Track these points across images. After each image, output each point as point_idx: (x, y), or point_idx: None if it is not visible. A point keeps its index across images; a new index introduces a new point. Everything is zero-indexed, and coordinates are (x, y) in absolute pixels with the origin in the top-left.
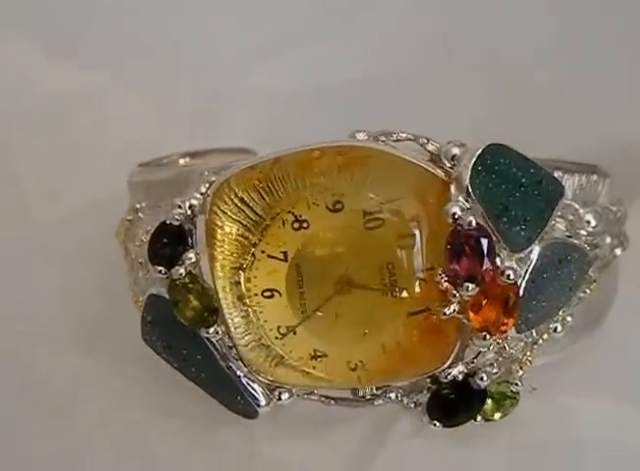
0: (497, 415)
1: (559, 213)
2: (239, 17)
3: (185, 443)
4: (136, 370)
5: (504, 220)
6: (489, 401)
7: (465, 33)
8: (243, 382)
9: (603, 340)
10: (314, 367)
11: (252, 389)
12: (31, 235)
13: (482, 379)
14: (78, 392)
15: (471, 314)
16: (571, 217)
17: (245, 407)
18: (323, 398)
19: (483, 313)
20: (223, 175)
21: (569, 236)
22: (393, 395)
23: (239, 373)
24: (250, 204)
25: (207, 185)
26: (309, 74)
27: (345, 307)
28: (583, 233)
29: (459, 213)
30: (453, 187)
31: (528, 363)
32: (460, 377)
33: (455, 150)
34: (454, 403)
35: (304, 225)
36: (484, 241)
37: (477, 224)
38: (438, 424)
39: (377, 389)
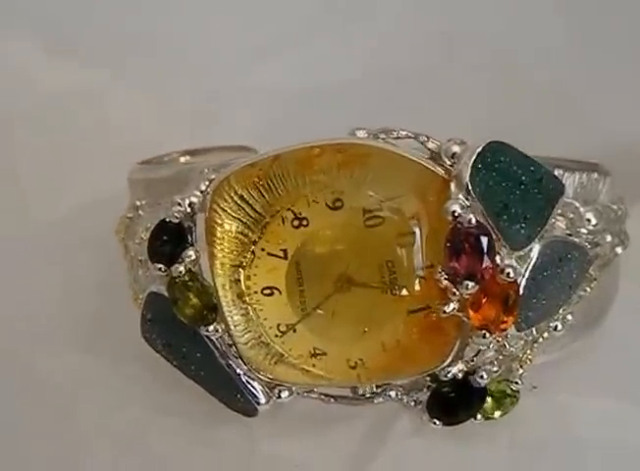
0: (497, 413)
1: (559, 211)
2: (239, 16)
3: (184, 441)
4: (136, 368)
5: (504, 218)
6: (489, 400)
7: (466, 33)
8: (243, 380)
9: (603, 339)
10: (314, 365)
11: (252, 387)
12: (31, 234)
13: (482, 377)
14: (77, 390)
15: (471, 312)
16: (572, 215)
17: (245, 405)
18: (323, 397)
19: (483, 311)
20: (223, 172)
21: (570, 235)
22: (393, 394)
23: (238, 371)
24: (250, 202)
25: (207, 183)
26: (309, 73)
27: (344, 305)
28: (584, 231)
29: (459, 211)
30: (453, 185)
31: (528, 361)
32: (460, 375)
33: (456, 148)
34: (454, 402)
35: (304, 222)
36: (484, 239)
37: (477, 222)
38: (438, 422)
39: (377, 387)
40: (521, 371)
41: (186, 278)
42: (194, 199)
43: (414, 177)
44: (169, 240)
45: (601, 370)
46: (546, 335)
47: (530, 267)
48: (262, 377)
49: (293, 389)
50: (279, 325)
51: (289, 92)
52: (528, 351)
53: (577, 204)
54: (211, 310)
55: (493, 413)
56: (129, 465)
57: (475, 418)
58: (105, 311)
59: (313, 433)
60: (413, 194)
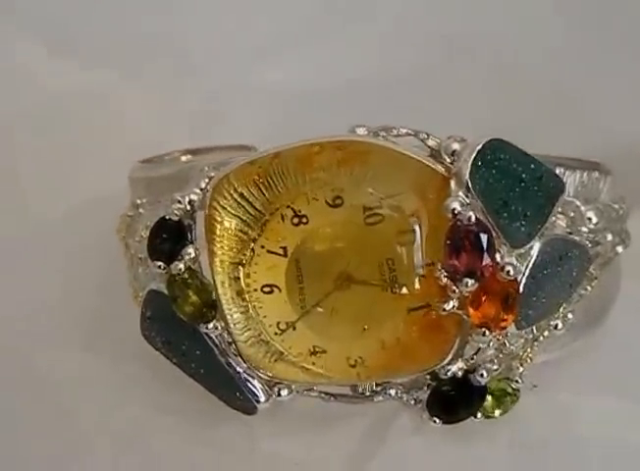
0: (497, 412)
1: (559, 209)
2: (239, 17)
3: (184, 439)
4: (136, 367)
5: (504, 215)
6: (489, 398)
7: (466, 33)
8: (243, 378)
9: (604, 338)
10: (314, 363)
11: (252, 385)
12: (32, 233)
13: (482, 375)
14: (77, 389)
15: (471, 310)
16: (572, 214)
17: (245, 403)
18: (322, 395)
19: (483, 309)
20: (222, 170)
21: (570, 233)
22: (392, 392)
23: (238, 369)
24: (250, 199)
25: (207, 181)
26: (310, 73)
27: (344, 303)
28: (584, 229)
29: (459, 208)
30: (452, 183)
31: (529, 360)
32: (460, 373)
33: (456, 145)
34: (454, 400)
35: (304, 220)
36: (483, 237)
37: (477, 219)
38: (438, 421)
39: (377, 385)
40: (522, 369)
41: (186, 275)
42: (194, 197)
43: (414, 174)
44: (169, 238)
45: (602, 369)
46: (546, 333)
47: (530, 265)
48: (262, 375)
49: (293, 387)
50: (278, 323)
51: (289, 92)
52: (528, 350)
53: (578, 203)
54: (211, 308)
55: (493, 412)
56: (128, 464)
57: (475, 417)
58: (105, 309)
59: (313, 431)
60: (413, 192)
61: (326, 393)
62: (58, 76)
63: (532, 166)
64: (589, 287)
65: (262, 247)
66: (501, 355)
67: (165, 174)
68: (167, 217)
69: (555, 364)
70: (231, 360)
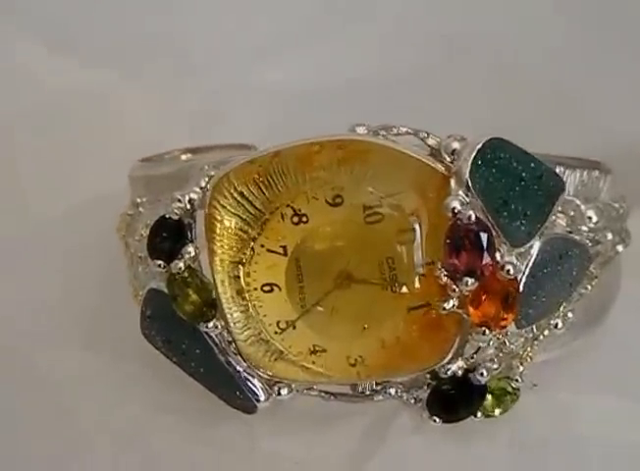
0: (497, 411)
1: (559, 208)
2: (240, 17)
3: (184, 438)
4: (136, 366)
5: (503, 214)
6: (489, 397)
7: (466, 33)
8: (243, 377)
9: (604, 337)
10: (313, 362)
11: (252, 384)
12: (32, 232)
13: (482, 374)
14: (77, 387)
15: (471, 309)
16: (572, 213)
17: (245, 402)
18: (322, 394)
19: (483, 308)
20: (222, 169)
21: (570, 232)
22: (392, 391)
23: (238, 368)
24: (250, 198)
25: (207, 180)
26: (310, 73)
27: (344, 302)
28: (584, 228)
29: (459, 207)
30: (452, 182)
31: (529, 359)
32: (460, 372)
33: (456, 144)
34: (454, 399)
35: (304, 219)
36: (483, 236)
37: (477, 218)
38: (438, 420)
39: (377, 384)
40: (522, 369)
41: (186, 274)
42: (194, 196)
43: (414, 173)
44: (168, 237)
45: (602, 368)
46: (546, 332)
47: (530, 264)
48: (262, 374)
49: (293, 386)
50: (278, 322)
51: (289, 92)
52: (528, 349)
53: (578, 202)
54: (210, 307)
55: (493, 411)
56: (128, 462)
57: (475, 416)
58: (105, 308)
59: (313, 430)
60: (413, 191)
61: (326, 392)
62: (58, 75)
63: (532, 165)
64: (589, 287)
65: (262, 246)
66: (501, 354)
67: (165, 172)
68: (167, 216)
69: (555, 363)
70: (231, 359)
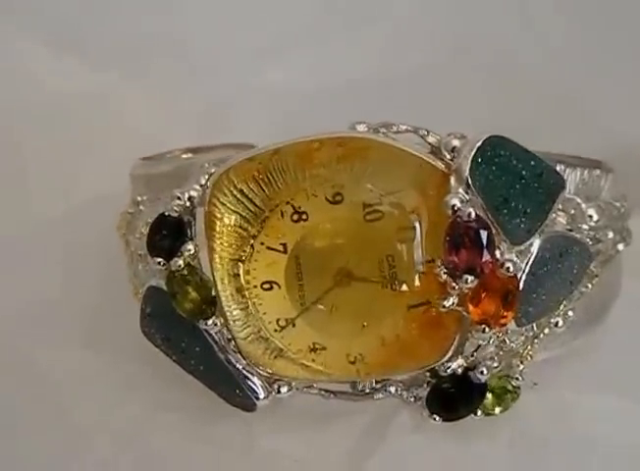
0: (497, 409)
1: (560, 206)
2: (241, 17)
3: (184, 436)
4: (136, 364)
5: (503, 212)
6: (489, 396)
7: (467, 33)
8: (242, 374)
9: (605, 336)
10: (313, 360)
11: (251, 381)
12: (33, 231)
13: (482, 373)
14: (77, 386)
15: (470, 307)
16: (573, 211)
17: (244, 400)
18: (322, 392)
19: (482, 306)
20: (222, 166)
21: (571, 230)
22: (392, 389)
23: (237, 366)
24: (249, 196)
25: (207, 177)
26: (310, 73)
27: (344, 300)
28: (585, 227)
29: (459, 205)
30: (452, 179)
31: (529, 357)
32: (460, 371)
33: (456, 142)
34: (454, 397)
35: (304, 216)
36: (483, 233)
37: (477, 216)
38: (438, 418)
39: (376, 382)
40: (522, 367)
41: (186, 272)
42: (194, 193)
43: (414, 171)
44: (168, 234)
45: (602, 367)
46: (547, 331)
47: (530, 262)
48: (261, 372)
49: (293, 384)
50: (278, 319)
51: (289, 92)
52: (529, 347)
53: (579, 200)
54: (210, 304)
55: (493, 409)
56: (128, 461)
57: (475, 414)
58: (105, 306)
59: (313, 428)
60: (413, 188)
61: (326, 391)
62: (58, 75)
63: (532, 163)
64: (590, 285)
65: (262, 244)
66: (501, 352)
67: (165, 171)
68: (167, 213)
69: (555, 362)
70: (230, 357)
